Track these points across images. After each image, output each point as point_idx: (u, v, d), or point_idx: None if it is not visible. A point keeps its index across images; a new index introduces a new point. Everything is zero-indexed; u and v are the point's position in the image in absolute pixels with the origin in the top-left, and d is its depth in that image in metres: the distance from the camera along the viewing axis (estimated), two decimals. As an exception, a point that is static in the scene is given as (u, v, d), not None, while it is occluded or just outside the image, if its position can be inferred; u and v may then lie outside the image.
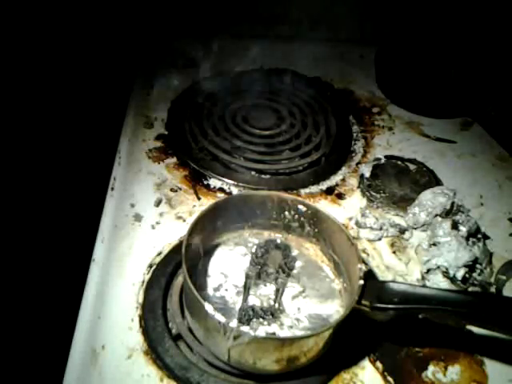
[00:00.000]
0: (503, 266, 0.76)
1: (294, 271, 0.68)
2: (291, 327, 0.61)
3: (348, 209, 0.83)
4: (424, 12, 1.15)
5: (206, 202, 0.81)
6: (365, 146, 0.97)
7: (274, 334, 0.60)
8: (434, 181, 0.89)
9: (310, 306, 0.64)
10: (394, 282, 0.65)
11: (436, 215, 0.78)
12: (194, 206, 0.80)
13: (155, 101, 1.01)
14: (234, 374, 0.59)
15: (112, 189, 0.81)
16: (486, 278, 0.73)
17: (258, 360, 0.55)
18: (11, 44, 1.04)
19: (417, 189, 0.85)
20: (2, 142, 1.08)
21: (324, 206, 0.83)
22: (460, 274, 0.71)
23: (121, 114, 0.97)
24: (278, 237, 0.72)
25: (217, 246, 0.70)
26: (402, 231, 0.80)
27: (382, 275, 0.73)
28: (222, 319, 0.52)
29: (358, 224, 0.79)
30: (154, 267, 0.70)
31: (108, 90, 1.12)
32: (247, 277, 0.65)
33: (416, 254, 0.77)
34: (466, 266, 0.71)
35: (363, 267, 0.60)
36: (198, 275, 0.65)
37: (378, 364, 0.63)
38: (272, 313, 0.61)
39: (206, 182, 0.85)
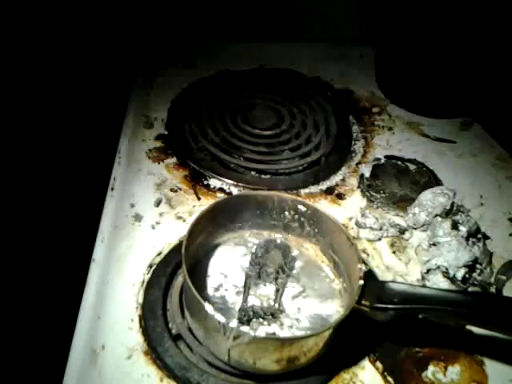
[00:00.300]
0: (503, 265, 0.76)
1: (294, 271, 0.68)
2: (291, 327, 0.61)
3: (348, 209, 0.83)
4: (424, 12, 1.15)
5: (206, 202, 0.81)
6: (365, 146, 0.97)
7: (273, 334, 0.60)
8: (433, 181, 0.89)
9: (310, 306, 0.64)
10: (393, 282, 0.66)
11: (436, 215, 0.78)
12: (194, 206, 0.80)
13: (155, 101, 1.01)
14: (233, 374, 0.59)
15: (112, 189, 0.81)
16: (486, 278, 0.73)
17: (258, 360, 0.55)
18: (11, 44, 1.04)
19: (417, 189, 0.85)
20: (2, 142, 1.08)
21: (324, 206, 0.83)
22: (460, 274, 0.71)
23: (121, 113, 0.97)
24: (278, 237, 0.72)
25: (217, 245, 0.70)
26: (402, 231, 0.80)
27: (382, 275, 0.73)
28: (222, 319, 0.52)
29: (357, 224, 0.79)
30: (154, 267, 0.70)
31: (108, 90, 1.12)
32: (247, 277, 0.66)
33: (416, 254, 0.77)
34: (466, 266, 0.71)
35: (363, 267, 0.60)
36: (198, 275, 0.65)
37: (378, 364, 0.63)
38: (272, 313, 0.61)
39: (205, 182, 0.85)
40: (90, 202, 0.86)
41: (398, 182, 0.88)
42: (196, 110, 0.97)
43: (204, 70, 1.10)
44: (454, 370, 0.63)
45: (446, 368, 0.63)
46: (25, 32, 1.04)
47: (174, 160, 0.88)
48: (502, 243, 0.80)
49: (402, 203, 0.84)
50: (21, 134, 1.11)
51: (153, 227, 0.76)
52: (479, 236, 0.77)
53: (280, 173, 0.88)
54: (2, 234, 1.09)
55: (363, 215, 0.80)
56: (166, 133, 0.94)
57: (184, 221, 0.77)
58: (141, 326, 0.63)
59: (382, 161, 0.92)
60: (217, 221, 0.67)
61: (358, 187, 0.87)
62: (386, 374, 0.62)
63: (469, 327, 0.66)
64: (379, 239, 0.79)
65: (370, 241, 0.78)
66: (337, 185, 0.88)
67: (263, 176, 0.87)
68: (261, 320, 0.60)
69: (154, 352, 0.60)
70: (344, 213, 0.82)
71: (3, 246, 1.08)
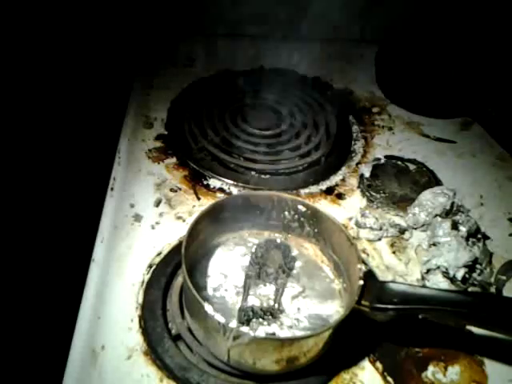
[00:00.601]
0: (503, 266, 0.76)
1: (294, 271, 0.68)
2: (291, 327, 0.61)
3: (348, 209, 0.83)
4: (424, 12, 1.15)
5: (206, 202, 0.81)
6: (365, 145, 0.97)
7: (273, 334, 0.60)
8: (433, 181, 0.89)
9: (310, 306, 0.64)
10: (393, 282, 0.66)
11: (436, 215, 0.78)
12: (194, 206, 0.80)
13: (155, 101, 1.01)
14: (233, 374, 0.59)
15: (112, 189, 0.81)
16: (486, 278, 0.73)
17: (258, 360, 0.55)
18: (11, 44, 1.04)
19: (417, 189, 0.85)
20: (2, 142, 1.08)
21: (324, 205, 0.83)
22: (460, 274, 0.71)
23: (121, 114, 0.97)
24: (278, 237, 0.72)
25: (217, 246, 0.70)
26: (402, 231, 0.80)
27: (382, 275, 0.73)
28: (222, 319, 0.52)
29: (357, 224, 0.79)
30: (154, 267, 0.70)
31: (108, 89, 1.12)
32: (247, 277, 0.66)
33: (416, 254, 0.77)
34: (465, 266, 0.71)
35: (363, 267, 0.60)
36: (198, 275, 0.65)
37: (378, 364, 0.63)
38: (272, 313, 0.61)
39: (205, 182, 0.85)
40: (89, 201, 0.86)
41: (397, 182, 0.88)
42: (196, 110, 0.97)
43: (204, 70, 1.10)
44: (454, 370, 0.63)
45: (445, 368, 0.63)
46: (25, 32, 1.04)
47: (173, 160, 0.88)
48: (502, 243, 0.80)
49: (402, 203, 0.84)
50: (21, 134, 1.11)
51: (153, 227, 0.76)
52: (479, 236, 0.77)
53: (280, 173, 0.88)
54: (2, 234, 1.09)
55: (363, 215, 0.80)
56: (166, 133, 0.94)
57: (184, 221, 0.77)
58: (141, 326, 0.63)
59: (382, 161, 0.92)
60: (217, 221, 0.67)
61: (358, 187, 0.87)
62: (385, 374, 0.62)
63: (469, 327, 0.66)
64: (379, 239, 0.79)
65: (369, 241, 0.78)
66: (337, 185, 0.88)
67: (263, 176, 0.87)
68: (261, 320, 0.60)
69: (154, 352, 0.60)
70: (344, 213, 0.82)
71: (3, 246, 1.08)
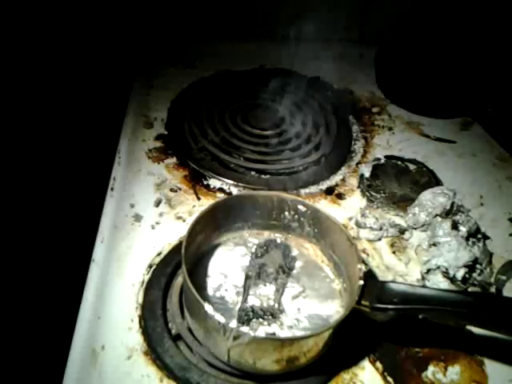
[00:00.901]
0: (503, 266, 0.76)
1: (294, 271, 0.68)
2: (291, 327, 0.61)
3: (348, 209, 0.83)
4: (424, 12, 1.15)
5: (206, 202, 0.81)
6: (365, 145, 0.97)
7: (273, 334, 0.60)
8: (433, 181, 0.89)
9: (310, 306, 0.64)
10: (393, 282, 0.66)
11: (436, 215, 0.78)
12: (194, 206, 0.80)
13: (155, 101, 1.01)
14: (233, 374, 0.59)
15: (112, 189, 0.81)
16: (486, 278, 0.73)
17: (258, 360, 0.55)
18: (11, 44, 1.04)
19: (417, 189, 0.85)
20: (2, 142, 1.08)
21: (324, 205, 0.83)
22: (460, 274, 0.71)
23: (121, 114, 0.97)
24: (278, 237, 0.72)
25: (217, 246, 0.70)
26: (402, 231, 0.80)
27: (382, 275, 0.73)
28: (222, 319, 0.52)
29: (357, 224, 0.79)
30: (154, 267, 0.70)
31: (108, 89, 1.12)
32: (247, 277, 0.65)
33: (416, 254, 0.77)
34: (465, 266, 0.71)
35: (363, 267, 0.60)
36: (198, 275, 0.65)
37: (378, 364, 0.63)
38: (272, 313, 0.61)
39: (205, 182, 0.85)
40: (89, 202, 0.86)
41: (397, 182, 0.88)
42: (196, 110, 0.97)
43: (204, 70, 1.10)
44: (454, 370, 0.63)
45: (446, 368, 0.63)
46: (25, 33, 1.04)
47: (173, 160, 0.88)
48: (502, 243, 0.80)
49: (402, 203, 0.84)
50: (21, 134, 1.11)
51: (153, 227, 0.76)
52: (479, 236, 0.77)
53: (280, 173, 0.88)
54: (2, 234, 1.09)
55: (363, 215, 0.80)
56: (166, 133, 0.94)
57: (184, 221, 0.77)
58: (141, 326, 0.63)
59: (382, 161, 0.92)
60: (217, 221, 0.67)
61: (358, 187, 0.87)
62: (385, 374, 0.62)
63: (469, 327, 0.66)
64: (379, 239, 0.79)
65: (370, 241, 0.78)
66: (337, 185, 0.88)
67: (263, 176, 0.87)
68: (261, 320, 0.60)
69: (154, 352, 0.60)
70: (344, 213, 0.82)
71: (3, 246, 1.08)
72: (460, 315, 0.58)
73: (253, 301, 0.63)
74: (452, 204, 0.78)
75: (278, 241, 0.71)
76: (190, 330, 0.61)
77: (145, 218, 0.77)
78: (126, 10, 1.10)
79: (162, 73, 1.08)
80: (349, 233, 0.65)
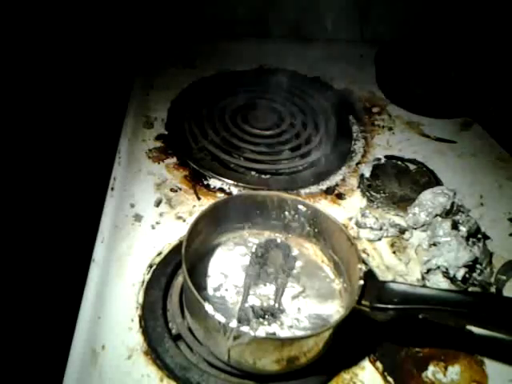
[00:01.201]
0: (503, 266, 0.76)
1: (294, 271, 0.68)
2: (291, 327, 0.61)
3: (348, 209, 0.83)
4: (424, 12, 1.15)
5: (206, 202, 0.81)
6: (365, 145, 0.97)
7: (274, 334, 0.60)
8: (433, 181, 0.89)
9: (310, 306, 0.64)
10: (394, 282, 0.66)
11: (436, 215, 0.78)
12: (194, 206, 0.80)
13: (155, 101, 1.01)
14: (233, 374, 0.59)
15: (112, 189, 0.81)
16: (486, 278, 0.73)
17: (258, 360, 0.55)
18: (11, 44, 1.04)
19: (417, 189, 0.85)
20: (2, 142, 1.08)
21: (324, 205, 0.83)
22: (460, 274, 0.71)
23: (121, 114, 0.97)
24: (278, 237, 0.72)
25: (217, 245, 0.70)
26: (402, 231, 0.80)
27: (382, 275, 0.73)
28: (222, 319, 0.52)
29: (358, 224, 0.79)
30: (154, 267, 0.70)
31: (108, 89, 1.12)
32: (247, 277, 0.66)
33: (416, 254, 0.77)
34: (465, 266, 0.71)
35: (363, 267, 0.60)
36: (198, 275, 0.65)
37: (378, 364, 0.63)
38: (272, 313, 0.61)
39: (206, 182, 0.85)
40: (90, 201, 0.86)
41: (398, 182, 0.88)
42: (196, 110, 0.97)
43: (204, 70, 1.10)
44: (454, 370, 0.63)
45: (445, 368, 0.63)
46: (25, 33, 1.04)
47: (174, 160, 0.88)
48: (502, 243, 0.80)
49: (402, 203, 0.84)
50: (21, 134, 1.11)
51: (153, 227, 0.76)
52: (479, 236, 0.77)
53: (280, 173, 0.88)
54: (2, 234, 1.09)
55: (363, 215, 0.80)
56: (166, 133, 0.94)
57: (184, 221, 0.77)
58: (141, 326, 0.63)
59: (382, 161, 0.92)
60: (217, 221, 0.67)
61: (358, 187, 0.87)
62: (386, 374, 0.62)
63: (469, 327, 0.66)
64: (379, 239, 0.79)
65: (370, 241, 0.78)
66: (337, 185, 0.88)
67: (263, 176, 0.87)
68: (261, 320, 0.60)
69: (154, 352, 0.60)
70: (344, 213, 0.82)
71: (3, 246, 1.08)
72: (460, 315, 0.58)
73: (253, 301, 0.63)
74: (452, 204, 0.78)
75: (278, 241, 0.71)
76: (190, 329, 0.61)
77: (145, 217, 0.77)
78: (126, 10, 1.10)
79: (162, 73, 1.08)
80: (349, 233, 0.65)
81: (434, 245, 0.75)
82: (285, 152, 0.91)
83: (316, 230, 0.69)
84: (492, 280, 0.74)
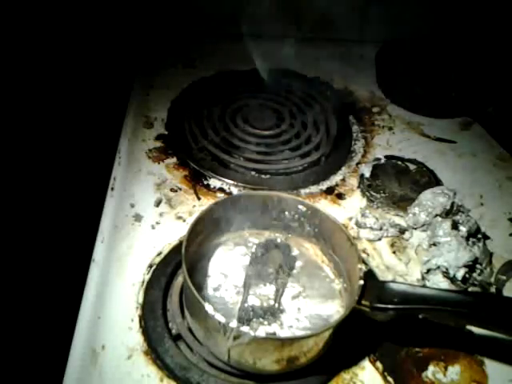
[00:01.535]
0: (503, 265, 0.76)
1: (294, 271, 0.68)
2: (291, 327, 0.61)
3: (348, 209, 0.83)
4: (424, 12, 1.15)
5: (206, 202, 0.81)
6: (365, 145, 0.97)
7: (274, 334, 0.60)
8: (433, 181, 0.89)
9: (310, 306, 0.64)
10: (394, 282, 0.66)
11: (436, 215, 0.78)
12: (194, 206, 0.80)
13: (155, 101, 1.01)
14: (233, 374, 0.59)
15: (112, 189, 0.81)
16: (486, 278, 0.73)
17: (258, 360, 0.55)
18: (11, 44, 1.04)
19: (417, 189, 0.85)
20: (2, 142, 1.08)
21: (324, 205, 0.83)
22: (460, 274, 0.71)
23: (121, 114, 0.97)
24: (278, 237, 0.72)
25: (217, 246, 0.70)
26: (402, 231, 0.80)
27: (382, 275, 0.73)
28: (222, 319, 0.52)
29: (358, 224, 0.79)
30: (154, 267, 0.70)
31: (108, 89, 1.12)
32: (247, 277, 0.65)
33: (416, 254, 0.77)
34: (466, 266, 0.71)
35: (363, 267, 0.60)
36: (198, 275, 0.65)
37: (378, 364, 0.63)
38: (272, 313, 0.61)
39: (206, 182, 0.85)
40: (90, 201, 0.86)
41: (398, 182, 0.88)
42: (196, 109, 0.97)
43: (204, 70, 1.10)
44: (454, 370, 0.63)
45: (445, 368, 0.63)
46: (25, 32, 1.04)
47: (174, 160, 0.88)
48: (502, 243, 0.80)
49: (402, 203, 0.84)
50: (21, 134, 1.11)
51: (153, 227, 0.76)
52: (479, 236, 0.77)
53: (280, 173, 0.88)
54: (2, 234, 1.09)
55: (363, 215, 0.80)
56: (166, 133, 0.94)
57: (184, 221, 0.77)
58: (141, 326, 0.63)
59: (382, 161, 0.92)
60: (217, 221, 0.67)
61: (358, 187, 0.87)
62: (386, 373, 0.62)
63: (469, 327, 0.66)
64: (379, 239, 0.79)
65: (370, 241, 0.78)
66: (337, 185, 0.88)
67: (263, 176, 0.87)
68: (261, 320, 0.60)
69: (154, 352, 0.60)
70: (344, 213, 0.82)
71: (3, 246, 1.08)
72: (460, 315, 0.58)
73: (253, 301, 0.63)
74: (452, 204, 0.78)
75: (278, 241, 0.71)
76: (190, 329, 0.61)
77: (145, 217, 0.77)
78: (126, 9, 1.10)
79: (162, 73, 1.08)
80: (349, 233, 0.65)
81: (434, 245, 0.75)
82: (285, 152, 0.91)
83: (316, 230, 0.69)
84: (492, 280, 0.74)
